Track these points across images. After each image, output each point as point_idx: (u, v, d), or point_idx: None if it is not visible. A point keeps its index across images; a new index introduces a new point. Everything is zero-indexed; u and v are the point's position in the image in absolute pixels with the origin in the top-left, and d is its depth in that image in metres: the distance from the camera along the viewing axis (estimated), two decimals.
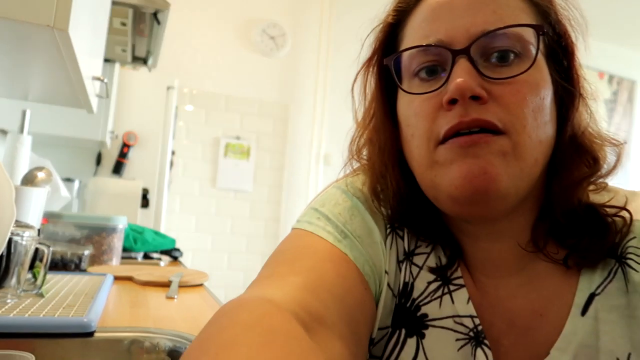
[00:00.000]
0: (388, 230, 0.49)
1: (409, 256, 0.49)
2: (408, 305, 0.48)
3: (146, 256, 1.63)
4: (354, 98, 0.55)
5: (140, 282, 1.10)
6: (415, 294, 0.48)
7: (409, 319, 0.47)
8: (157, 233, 1.67)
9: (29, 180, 0.98)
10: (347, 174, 0.55)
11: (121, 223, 1.34)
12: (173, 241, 1.67)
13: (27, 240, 0.75)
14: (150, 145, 2.76)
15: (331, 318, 0.38)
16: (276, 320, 0.32)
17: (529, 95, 0.41)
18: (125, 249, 1.50)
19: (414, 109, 0.45)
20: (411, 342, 0.47)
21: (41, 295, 0.79)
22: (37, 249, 0.81)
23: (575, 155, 0.45)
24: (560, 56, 0.45)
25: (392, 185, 0.49)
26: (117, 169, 2.55)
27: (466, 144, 0.41)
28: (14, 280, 0.75)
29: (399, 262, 0.49)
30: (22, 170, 1.45)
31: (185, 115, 3.20)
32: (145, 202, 2.21)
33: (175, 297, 0.96)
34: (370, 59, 0.51)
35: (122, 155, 2.57)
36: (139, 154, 2.69)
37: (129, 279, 1.14)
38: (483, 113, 0.40)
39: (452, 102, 0.41)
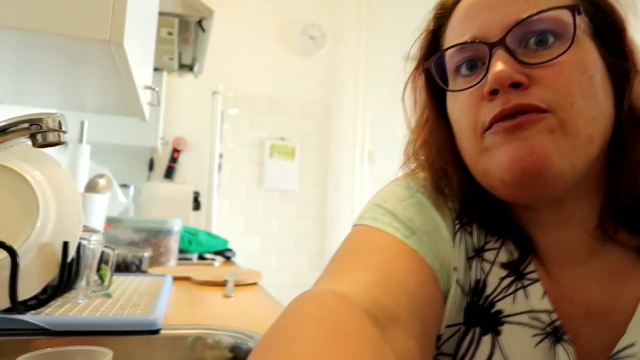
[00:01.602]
0: (457, 227, 0.49)
1: (479, 252, 0.49)
2: (481, 302, 0.47)
3: (200, 257, 1.68)
4: (404, 105, 0.56)
5: (197, 282, 1.14)
6: (488, 291, 0.47)
7: (483, 316, 0.47)
8: (209, 234, 1.72)
9: (91, 187, 1.03)
10: (405, 174, 0.55)
11: (176, 225, 1.39)
12: (225, 242, 1.72)
13: (94, 244, 0.80)
14: (199, 150, 2.84)
15: (404, 315, 0.38)
16: (346, 317, 0.31)
17: (574, 74, 0.41)
18: (180, 251, 1.55)
19: (460, 105, 0.46)
20: (486, 340, 0.46)
21: (109, 296, 0.83)
22: (102, 252, 0.86)
23: (636, 132, 0.44)
24: (608, 34, 0.44)
25: (456, 179, 0.49)
26: (169, 173, 2.64)
27: (511, 127, 0.41)
28: (83, 282, 0.80)
29: (468, 259, 0.48)
30: (82, 178, 1.53)
31: (231, 119, 3.27)
32: (196, 205, 2.28)
33: (232, 295, 0.99)
34: (417, 67, 0.53)
35: (173, 160, 2.66)
36: (188, 159, 2.77)
37: (187, 279, 1.18)
38: (524, 98, 0.41)
39: (493, 92, 0.42)
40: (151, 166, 2.64)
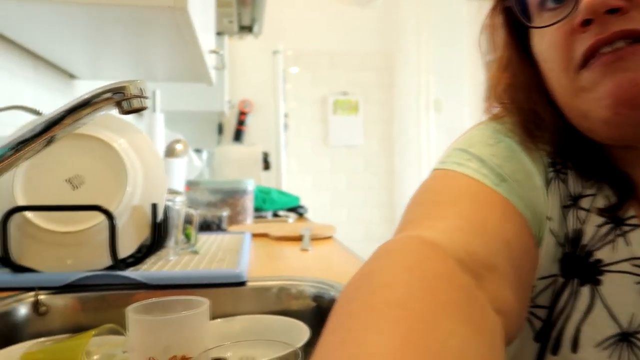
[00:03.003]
0: (550, 174, 0.46)
1: (575, 201, 0.46)
2: (578, 252, 0.45)
3: (274, 214, 1.74)
4: (480, 47, 0.52)
5: (274, 238, 1.18)
6: (584, 240, 0.45)
7: (581, 267, 0.44)
8: (281, 192, 1.77)
9: (170, 152, 1.08)
10: (489, 118, 0.51)
11: (250, 185, 1.44)
12: (297, 199, 1.76)
13: (179, 205, 0.84)
14: (264, 111, 2.88)
15: (500, 264, 0.36)
16: (438, 265, 0.30)
17: None
18: (255, 209, 1.61)
19: (547, 42, 0.42)
20: (585, 291, 0.44)
21: (195, 253, 0.89)
22: (185, 213, 0.91)
23: None
24: None
25: (548, 121, 0.45)
26: (237, 136, 2.71)
27: (610, 60, 0.37)
28: (172, 241, 0.85)
29: (563, 208, 0.46)
30: (160, 144, 1.60)
31: (292, 78, 3.27)
32: (266, 165, 2.34)
33: (309, 249, 1.02)
34: (494, 8, 0.49)
35: (240, 122, 2.72)
36: (255, 120, 2.83)
37: (264, 235, 1.23)
38: (624, 23, 0.36)
39: (586, 23, 0.38)
40: (220, 130, 2.72)
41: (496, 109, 0.51)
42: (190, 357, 0.42)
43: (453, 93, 3.37)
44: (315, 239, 1.16)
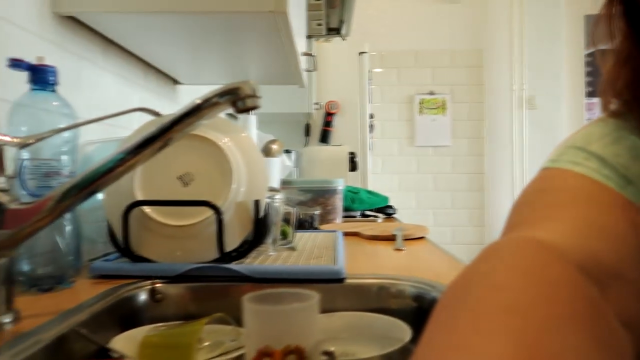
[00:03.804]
0: None
1: None
2: None
3: (362, 214, 1.74)
4: (594, 41, 0.48)
5: (366, 237, 1.18)
6: None
7: None
8: (370, 192, 1.77)
9: (266, 152, 1.12)
10: (608, 114, 0.47)
11: (340, 185, 1.46)
12: (386, 199, 1.75)
13: (278, 202, 0.87)
14: (350, 112, 2.89)
15: (628, 273, 0.33)
16: (557, 270, 0.27)
17: None
18: (344, 209, 1.62)
19: None
20: None
21: (293, 249, 0.91)
22: (283, 210, 0.94)
23: None
24: None
25: None
26: (324, 137, 2.75)
27: None
28: (271, 237, 0.88)
29: None
30: None
31: (377, 78, 3.25)
32: (353, 166, 2.35)
33: (403, 248, 1.00)
34: None
35: (327, 124, 2.75)
36: (341, 121, 2.85)
37: (355, 234, 1.24)
38: None
39: None
40: (307, 131, 2.78)
41: (614, 105, 0.47)
42: (304, 348, 0.43)
43: (548, 89, 3.17)
44: (407, 239, 1.15)
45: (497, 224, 3.05)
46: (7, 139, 0.49)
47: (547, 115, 3.18)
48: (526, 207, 0.41)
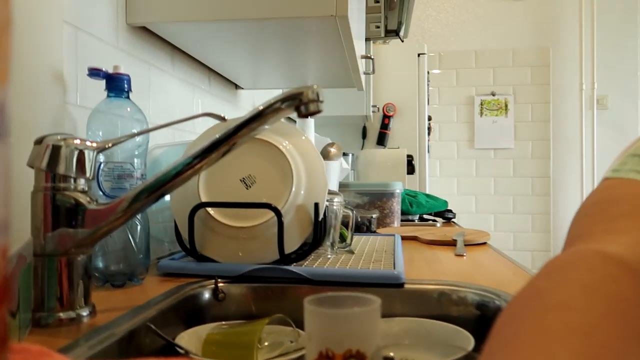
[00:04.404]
0: None
1: None
2: None
3: (421, 218, 1.71)
4: None
5: (425, 241, 1.16)
6: None
7: None
8: (429, 196, 1.74)
9: (325, 155, 1.13)
10: None
11: (398, 188, 1.44)
12: (445, 203, 1.71)
13: (337, 205, 0.88)
14: (407, 114, 2.86)
15: None
16: (627, 286, 0.26)
17: None
18: (402, 212, 1.60)
19: None
20: None
21: (351, 252, 0.91)
22: (342, 213, 0.94)
23: None
24: None
25: None
26: (381, 140, 2.73)
27: None
28: (330, 240, 0.89)
29: None
30: None
31: (435, 79, 3.19)
32: (411, 169, 2.32)
33: (464, 254, 0.98)
34: None
35: (384, 126, 2.74)
36: (398, 124, 2.83)
37: (414, 238, 1.22)
38: None
39: None
40: (364, 134, 2.77)
41: None
42: (364, 352, 0.43)
43: (621, 87, 2.99)
44: (469, 244, 1.12)
45: (564, 230, 2.91)
46: (88, 143, 0.53)
47: (619, 116, 3.00)
48: (587, 219, 0.39)
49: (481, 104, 3.24)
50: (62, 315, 0.51)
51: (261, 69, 1.35)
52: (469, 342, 0.56)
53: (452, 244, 1.11)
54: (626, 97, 3.00)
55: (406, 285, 0.72)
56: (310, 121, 1.76)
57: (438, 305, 0.69)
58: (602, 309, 0.23)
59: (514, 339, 0.23)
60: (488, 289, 0.67)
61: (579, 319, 0.22)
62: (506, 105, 3.22)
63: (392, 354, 0.61)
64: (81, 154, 0.53)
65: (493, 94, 3.23)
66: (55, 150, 0.52)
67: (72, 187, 0.52)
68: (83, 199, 0.52)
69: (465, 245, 1.11)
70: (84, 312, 0.53)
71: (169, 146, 0.95)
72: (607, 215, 0.38)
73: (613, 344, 0.21)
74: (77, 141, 0.53)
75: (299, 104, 0.50)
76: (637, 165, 0.41)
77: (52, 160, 0.51)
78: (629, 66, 2.98)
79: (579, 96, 3.08)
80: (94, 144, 0.54)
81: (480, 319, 0.66)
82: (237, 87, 1.54)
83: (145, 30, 0.95)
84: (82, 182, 0.53)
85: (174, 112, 1.09)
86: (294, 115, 0.53)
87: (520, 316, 0.25)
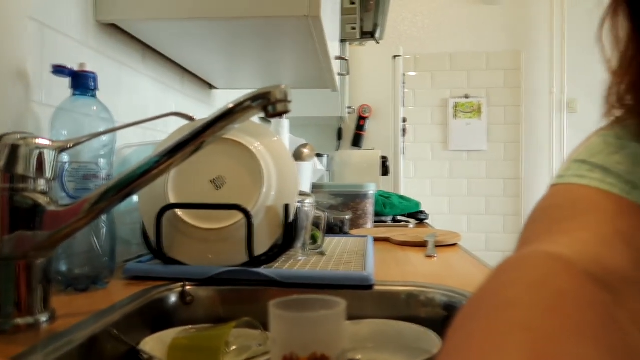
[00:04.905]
0: None
1: None
2: None
3: (394, 219, 1.72)
4: (602, 44, 0.46)
5: (397, 242, 1.17)
6: None
7: None
8: (402, 197, 1.75)
9: (297, 156, 1.13)
10: (610, 123, 0.46)
11: (371, 189, 1.45)
12: (418, 204, 1.73)
13: (308, 207, 0.87)
14: (383, 116, 2.88)
15: None
16: (565, 280, 0.28)
17: None
18: (375, 214, 1.61)
19: None
20: None
21: (322, 254, 0.91)
22: (313, 214, 0.94)
23: None
24: None
25: None
26: (356, 141, 2.74)
27: None
28: (300, 242, 0.89)
29: None
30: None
31: (410, 81, 3.22)
32: (385, 170, 2.33)
33: (435, 255, 0.99)
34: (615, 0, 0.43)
35: (359, 128, 2.75)
36: (374, 125, 2.84)
37: (386, 239, 1.23)
38: None
39: None
40: (340, 135, 2.77)
41: (618, 112, 0.46)
42: (329, 355, 0.43)
43: (590, 92, 3.07)
44: (439, 245, 1.13)
45: None
46: (47, 142, 0.51)
47: (588, 119, 3.08)
48: (534, 224, 0.41)
49: (455, 107, 3.28)
50: (19, 321, 0.50)
51: (235, 69, 1.33)
52: (436, 343, 0.57)
53: (423, 245, 1.12)
54: (595, 101, 3.08)
55: (376, 287, 0.72)
56: (285, 122, 1.76)
57: (407, 307, 0.69)
58: (546, 304, 0.25)
59: (467, 339, 0.24)
60: (455, 289, 0.68)
61: (522, 315, 0.24)
62: (479, 108, 3.27)
63: (359, 356, 0.61)
64: (41, 154, 0.51)
65: (467, 97, 3.28)
66: (14, 149, 0.50)
67: (32, 187, 0.51)
68: (42, 200, 0.51)
69: (436, 246, 1.12)
70: (43, 318, 0.51)
71: (138, 146, 0.93)
72: (551, 219, 0.40)
73: (553, 335, 0.22)
74: (37, 140, 0.51)
75: (267, 103, 0.50)
76: (578, 170, 0.43)
77: (10, 160, 0.50)
78: (598, 71, 3.06)
79: (549, 99, 3.16)
80: (55, 144, 0.52)
81: (448, 319, 0.66)
82: (211, 87, 1.52)
83: (115, 28, 0.93)
84: (42, 182, 0.52)
85: (146, 112, 1.07)
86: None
87: (473, 317, 0.26)
